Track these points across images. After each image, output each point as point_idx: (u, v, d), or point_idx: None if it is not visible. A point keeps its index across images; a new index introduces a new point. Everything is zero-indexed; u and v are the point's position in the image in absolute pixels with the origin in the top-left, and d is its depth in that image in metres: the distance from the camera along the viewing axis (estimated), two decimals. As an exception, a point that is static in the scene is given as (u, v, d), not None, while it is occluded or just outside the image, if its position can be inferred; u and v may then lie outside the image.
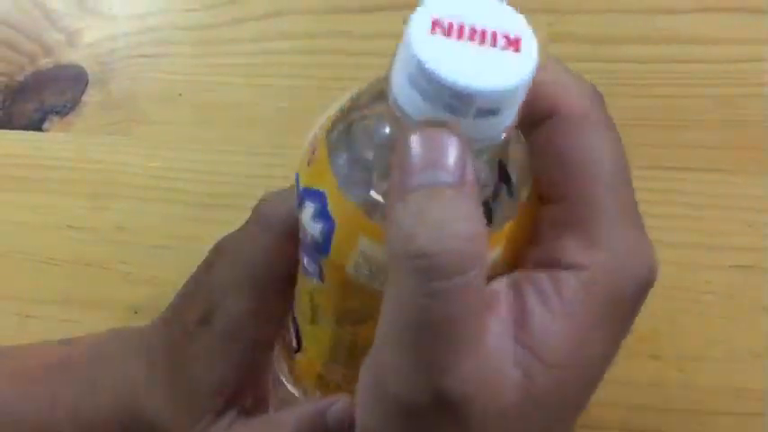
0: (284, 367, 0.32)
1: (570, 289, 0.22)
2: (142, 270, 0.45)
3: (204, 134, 0.50)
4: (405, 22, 0.20)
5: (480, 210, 0.21)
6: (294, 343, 0.30)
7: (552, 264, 0.23)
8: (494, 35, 0.20)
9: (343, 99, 0.25)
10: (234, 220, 0.30)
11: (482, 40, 0.20)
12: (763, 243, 0.44)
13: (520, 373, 0.22)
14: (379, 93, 0.22)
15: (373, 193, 0.23)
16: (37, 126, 0.50)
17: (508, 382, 0.22)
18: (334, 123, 0.24)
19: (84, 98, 0.51)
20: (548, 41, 0.52)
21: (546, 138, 0.23)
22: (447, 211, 0.20)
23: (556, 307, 0.22)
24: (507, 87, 0.20)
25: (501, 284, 0.23)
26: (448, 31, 0.20)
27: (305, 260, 0.26)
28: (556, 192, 0.23)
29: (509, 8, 0.21)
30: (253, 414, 0.30)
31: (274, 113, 0.50)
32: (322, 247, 0.24)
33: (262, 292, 0.29)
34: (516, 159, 0.24)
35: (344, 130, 0.24)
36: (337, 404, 0.29)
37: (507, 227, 0.23)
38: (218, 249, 0.30)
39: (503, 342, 0.22)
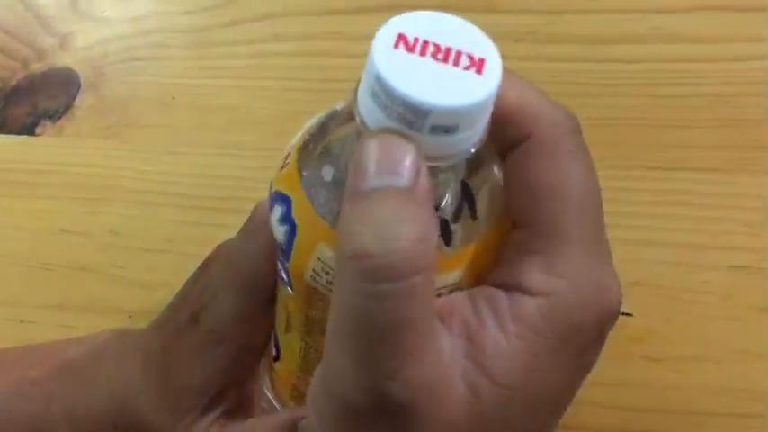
0: (267, 379, 0.33)
1: (527, 313, 0.22)
2: (136, 274, 0.45)
3: (198, 138, 0.50)
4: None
5: (432, 217, 0.21)
6: (273, 353, 0.31)
7: (513, 286, 0.23)
8: (458, 54, 0.21)
9: (326, 111, 0.25)
10: (228, 223, 0.30)
11: (445, 59, 0.21)
12: (761, 243, 0.44)
13: (466, 388, 0.22)
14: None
15: (334, 201, 0.23)
16: (30, 130, 0.50)
17: (453, 394, 0.21)
18: (310, 132, 0.25)
19: (77, 102, 0.51)
20: (545, 41, 0.52)
21: (517, 162, 0.23)
22: (395, 212, 0.20)
23: (510, 328, 0.22)
24: (462, 105, 0.20)
25: (458, 297, 0.23)
26: (411, 47, 0.21)
27: (279, 268, 0.27)
28: (523, 216, 0.23)
29: (477, 29, 0.21)
30: (237, 418, 0.29)
31: (269, 116, 0.50)
32: (286, 252, 0.24)
33: (249, 296, 0.29)
34: (488, 185, 0.24)
35: (316, 139, 0.24)
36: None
37: (469, 250, 0.23)
38: (217, 251, 0.30)
39: (451, 354, 0.22)
